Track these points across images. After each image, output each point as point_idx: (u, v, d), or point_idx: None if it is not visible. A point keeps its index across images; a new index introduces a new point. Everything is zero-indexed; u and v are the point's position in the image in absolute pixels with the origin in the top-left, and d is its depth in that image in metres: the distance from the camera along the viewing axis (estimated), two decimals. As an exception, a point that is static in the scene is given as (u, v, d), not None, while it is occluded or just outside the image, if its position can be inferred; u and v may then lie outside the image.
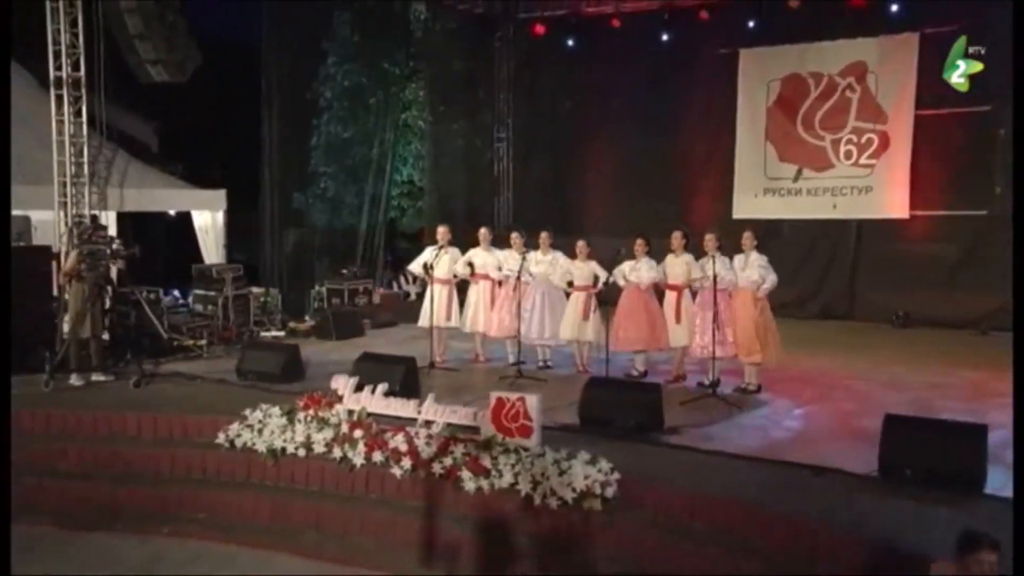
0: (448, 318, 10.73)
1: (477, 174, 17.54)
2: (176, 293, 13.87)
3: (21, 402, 8.73)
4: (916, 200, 14.22)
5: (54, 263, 10.59)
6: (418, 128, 17.59)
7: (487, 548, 6.48)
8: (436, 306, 10.58)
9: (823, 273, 14.84)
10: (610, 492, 6.25)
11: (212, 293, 12.26)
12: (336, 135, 16.65)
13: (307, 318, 13.78)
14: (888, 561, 4.94)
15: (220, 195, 13.72)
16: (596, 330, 10.07)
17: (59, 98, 10.60)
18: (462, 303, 10.96)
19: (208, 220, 13.64)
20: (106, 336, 10.07)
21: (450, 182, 17.25)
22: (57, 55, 10.51)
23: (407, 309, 14.75)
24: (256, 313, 12.84)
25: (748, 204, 15.21)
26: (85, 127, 10.72)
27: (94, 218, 10.83)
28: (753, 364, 9.12)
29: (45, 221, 13.18)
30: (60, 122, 10.64)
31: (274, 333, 12.77)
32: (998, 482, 5.97)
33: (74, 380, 9.49)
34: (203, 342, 11.40)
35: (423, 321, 10.74)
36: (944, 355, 11.57)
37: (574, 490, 6.28)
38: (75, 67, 10.58)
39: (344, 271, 14.45)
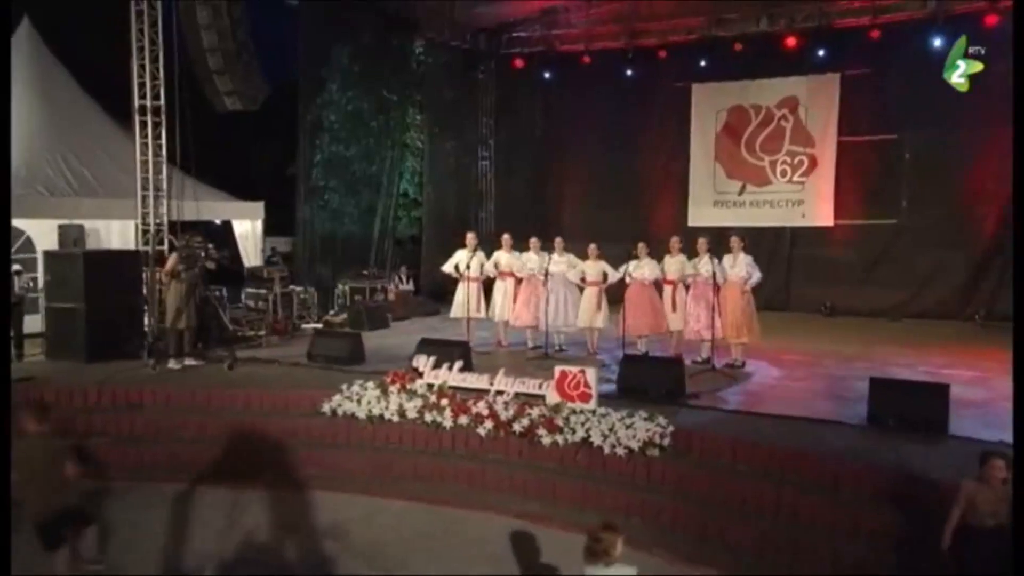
0: (478, 310, 11.53)
1: (464, 187, 18.15)
2: None
3: (135, 383, 9.33)
4: (839, 211, 15.31)
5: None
6: (415, 148, 18.21)
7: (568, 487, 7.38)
8: (470, 300, 11.35)
9: (763, 271, 15.40)
10: (666, 442, 7.19)
11: (263, 291, 12.80)
12: (339, 153, 17.13)
13: (332, 312, 14.37)
14: (901, 484, 5.99)
15: (259, 206, 14.27)
16: (605, 319, 11.03)
17: (143, 124, 11.01)
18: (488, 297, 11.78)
19: (248, 228, 14.13)
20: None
21: (442, 194, 17.85)
22: (141, 87, 10.91)
23: (416, 304, 15.51)
24: (298, 308, 13.40)
25: (701, 214, 16.13)
26: (164, 149, 11.12)
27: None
28: (740, 344, 10.20)
29: (96, 229, 13.60)
30: (144, 144, 11.04)
31: (313, 325, 13.31)
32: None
33: (172, 364, 10.02)
34: (262, 333, 11.97)
35: (457, 312, 11.50)
36: (867, 337, 12.81)
37: (638, 441, 7.21)
38: (155, 97, 11.00)
39: (365, 272, 15.04)
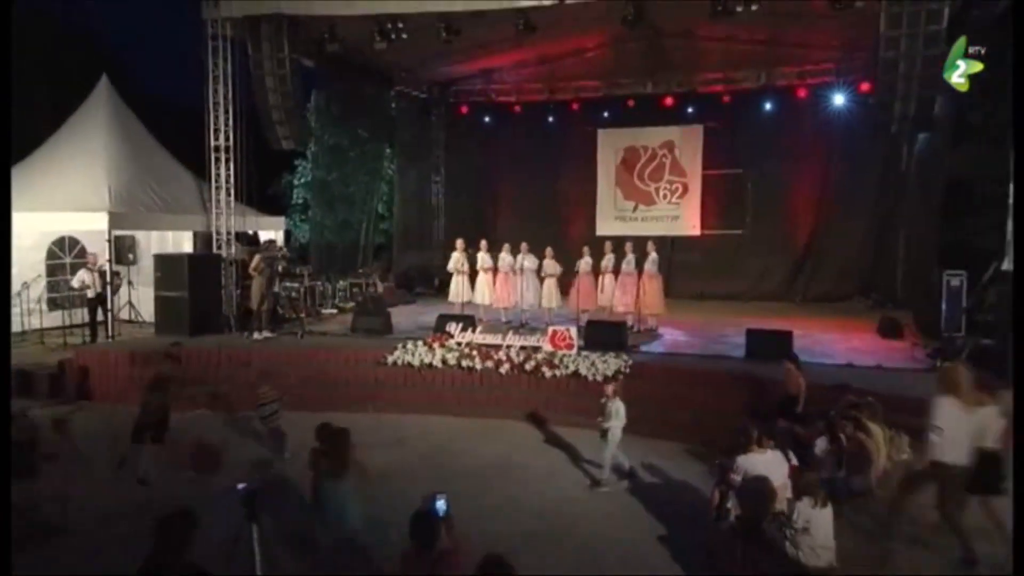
0: (464, 296, 14.12)
1: (422, 206, 20.43)
2: None
3: (241, 349, 11.45)
4: (704, 224, 18.44)
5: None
6: (385, 174, 20.43)
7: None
8: (461, 288, 13.98)
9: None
10: (628, 370, 10.13)
11: (296, 284, 14.89)
12: (320, 177, 19.07)
13: (336, 301, 16.52)
14: (768, 386, 9.09)
15: (281, 220, 16.29)
16: (557, 301, 13.88)
17: (216, 160, 13.04)
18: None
19: (272, 237, 16.09)
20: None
21: (405, 212, 20.13)
22: (216, 132, 12.95)
23: (399, 296, 17.78)
24: (318, 298, 15.56)
25: (606, 226, 18.85)
26: (234, 178, 13.16)
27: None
28: (654, 315, 13.31)
29: (138, 239, 15.20)
30: (218, 175, 13.07)
31: (329, 311, 15.49)
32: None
33: (256, 336, 12.13)
34: (303, 315, 14.11)
35: (453, 298, 14.09)
36: (728, 312, 15.91)
37: (611, 370, 10.11)
38: (226, 139, 13.05)
39: (361, 270, 17.24)
